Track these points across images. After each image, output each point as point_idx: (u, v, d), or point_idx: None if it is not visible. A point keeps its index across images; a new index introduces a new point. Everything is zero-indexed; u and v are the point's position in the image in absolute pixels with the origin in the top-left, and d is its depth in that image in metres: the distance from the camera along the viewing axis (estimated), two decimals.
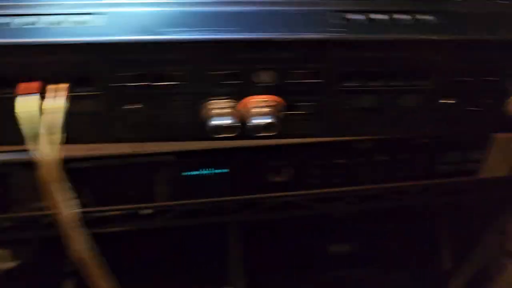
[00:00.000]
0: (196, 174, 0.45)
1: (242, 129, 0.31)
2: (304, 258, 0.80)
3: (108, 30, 0.28)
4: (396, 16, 0.31)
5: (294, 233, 0.80)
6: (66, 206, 0.30)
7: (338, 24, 0.30)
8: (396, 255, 0.81)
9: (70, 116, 0.30)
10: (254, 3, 0.31)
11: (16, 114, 0.28)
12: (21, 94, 0.28)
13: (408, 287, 0.80)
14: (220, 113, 0.31)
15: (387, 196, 0.52)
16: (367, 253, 0.81)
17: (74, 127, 0.31)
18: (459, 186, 0.51)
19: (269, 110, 0.31)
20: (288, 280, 0.79)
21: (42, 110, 0.29)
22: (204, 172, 0.45)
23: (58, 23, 0.29)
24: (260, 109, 0.31)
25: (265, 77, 0.30)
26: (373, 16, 0.31)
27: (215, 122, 0.30)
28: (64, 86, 0.29)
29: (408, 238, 0.81)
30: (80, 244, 0.32)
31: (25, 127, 0.28)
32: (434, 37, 0.29)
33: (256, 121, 0.31)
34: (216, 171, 0.46)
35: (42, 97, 0.29)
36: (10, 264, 0.73)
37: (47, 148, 0.28)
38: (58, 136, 0.29)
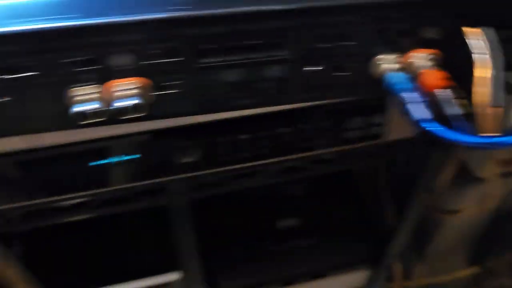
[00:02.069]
0: (106, 163, 0.45)
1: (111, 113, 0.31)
2: (252, 234, 0.80)
3: None
4: None
5: (239, 211, 0.80)
6: None
7: (185, 1, 0.29)
8: (340, 221, 0.82)
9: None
10: None
11: None
12: None
13: (355, 249, 0.81)
14: (84, 100, 0.30)
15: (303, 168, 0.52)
16: (313, 224, 0.82)
17: None
18: (368, 151, 0.51)
19: (135, 92, 0.31)
20: (238, 256, 0.78)
21: None
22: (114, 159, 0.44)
23: None
24: (125, 91, 0.30)
25: (123, 60, 0.30)
26: None
27: (78, 108, 0.30)
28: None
29: (350, 203, 0.82)
30: None
31: None
32: (280, 7, 0.29)
33: (121, 103, 0.30)
34: (127, 157, 0.45)
35: None
36: None
37: None
38: None
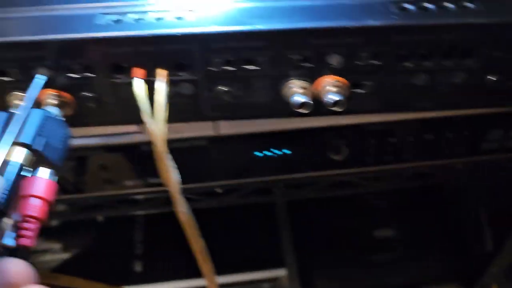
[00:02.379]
0: (265, 155, 0.49)
1: (317, 105, 0.35)
2: (349, 240, 0.83)
3: (200, 24, 0.33)
4: (443, 4, 0.35)
5: (340, 217, 0.83)
6: (174, 174, 0.34)
7: (396, 12, 0.33)
8: (438, 237, 0.83)
9: (170, 97, 0.35)
10: None
11: (134, 95, 0.33)
12: (135, 78, 0.33)
13: (450, 269, 0.82)
14: (297, 92, 0.35)
15: (432, 175, 0.55)
16: (410, 237, 0.83)
17: (172, 107, 0.36)
18: (504, 164, 0.53)
19: (338, 89, 0.35)
20: (336, 260, 0.81)
21: (147, 92, 0.34)
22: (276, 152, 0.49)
23: (161, 18, 0.34)
24: (329, 88, 0.35)
25: (334, 60, 0.34)
26: (424, 5, 0.34)
27: (294, 99, 0.35)
28: (165, 72, 0.34)
29: (450, 220, 0.83)
30: (182, 208, 0.36)
31: (141, 106, 0.33)
32: (477, 21, 0.33)
33: (328, 98, 0.35)
34: (281, 152, 0.50)
35: (148, 81, 0.34)
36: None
37: (158, 125, 0.33)
38: (164, 114, 0.33)
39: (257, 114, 0.37)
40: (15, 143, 0.30)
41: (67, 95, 0.35)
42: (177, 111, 0.36)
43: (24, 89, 0.35)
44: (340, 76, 0.35)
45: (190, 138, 0.46)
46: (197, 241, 0.39)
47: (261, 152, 0.49)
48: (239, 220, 0.79)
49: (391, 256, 0.83)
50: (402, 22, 0.32)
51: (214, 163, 0.49)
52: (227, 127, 0.46)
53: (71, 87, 0.35)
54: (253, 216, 0.80)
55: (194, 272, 0.74)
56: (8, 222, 0.29)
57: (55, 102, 0.35)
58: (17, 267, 0.24)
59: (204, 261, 0.42)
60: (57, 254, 0.79)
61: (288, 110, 0.36)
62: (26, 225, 0.29)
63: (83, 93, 0.35)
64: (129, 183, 0.50)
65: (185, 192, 0.53)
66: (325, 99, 0.35)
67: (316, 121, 0.47)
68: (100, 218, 0.83)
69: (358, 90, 0.36)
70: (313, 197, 0.58)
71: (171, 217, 0.75)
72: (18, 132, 0.30)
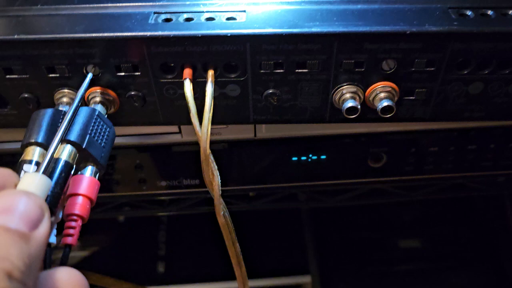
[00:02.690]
0: (302, 160, 0.48)
1: (364, 111, 0.34)
2: (374, 250, 0.82)
3: (252, 25, 0.32)
4: (504, 11, 0.33)
5: (365, 225, 0.82)
6: (216, 176, 0.34)
7: (455, 18, 0.32)
8: (466, 251, 0.81)
9: (217, 99, 0.35)
10: (377, 2, 0.34)
11: (185, 96, 0.32)
12: (186, 79, 0.33)
13: (479, 284, 0.80)
14: (347, 97, 0.34)
15: (470, 186, 0.54)
16: (437, 249, 0.82)
17: (217, 109, 0.35)
18: None
19: (389, 95, 0.34)
20: (357, 270, 0.80)
21: (194, 92, 0.33)
22: (313, 157, 0.48)
23: (213, 19, 0.33)
24: (381, 93, 0.34)
25: (386, 65, 0.33)
26: (484, 11, 0.33)
27: (343, 104, 0.34)
28: (212, 72, 0.33)
29: (481, 234, 0.81)
30: (222, 210, 0.35)
31: (190, 107, 0.32)
32: None
33: (378, 104, 0.34)
34: (319, 157, 0.49)
35: (196, 82, 0.33)
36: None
37: (204, 126, 0.32)
38: (210, 115, 0.33)
39: (302, 119, 0.36)
40: (63, 141, 0.29)
41: (112, 93, 0.34)
42: (222, 112, 0.36)
43: (71, 86, 0.34)
44: (391, 82, 0.34)
45: (229, 140, 0.45)
46: (233, 245, 0.39)
47: (298, 157, 0.48)
48: (265, 225, 0.78)
49: (417, 267, 0.81)
50: (462, 29, 0.31)
51: (250, 166, 0.48)
52: (265, 131, 0.45)
53: (117, 86, 0.34)
54: (278, 221, 0.79)
55: (215, 275, 0.73)
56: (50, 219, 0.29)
57: (101, 100, 0.34)
58: (70, 277, 0.24)
59: (238, 265, 0.41)
60: (74, 251, 0.79)
61: (334, 115, 0.35)
62: (71, 223, 0.29)
63: (129, 92, 0.34)
64: (162, 183, 0.49)
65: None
66: (375, 105, 0.34)
67: (356, 126, 0.46)
68: (120, 217, 0.83)
69: (409, 97, 0.35)
70: (346, 205, 0.56)
71: (196, 219, 0.74)
72: (66, 130, 0.30)
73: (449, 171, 0.49)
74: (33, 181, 0.26)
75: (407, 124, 0.45)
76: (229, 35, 0.31)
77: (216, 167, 0.34)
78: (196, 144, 0.45)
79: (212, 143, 0.45)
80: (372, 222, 0.81)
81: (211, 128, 0.33)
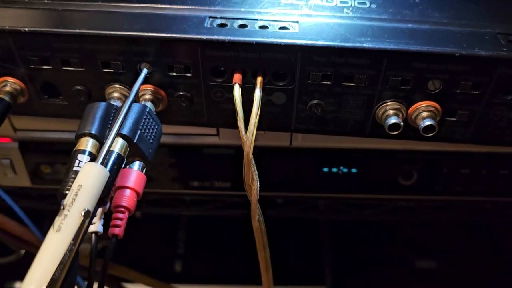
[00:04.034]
0: (334, 171, 0.49)
1: (404, 128, 0.35)
2: (389, 268, 0.82)
3: (305, 36, 0.33)
4: None
5: (382, 242, 0.82)
6: (256, 181, 0.35)
7: (504, 44, 0.33)
8: (483, 274, 0.81)
9: (262, 105, 0.36)
10: (428, 23, 0.35)
11: (234, 100, 0.33)
12: (236, 83, 0.34)
13: None
14: (390, 113, 0.35)
15: (500, 211, 0.54)
16: (453, 271, 0.82)
17: (261, 115, 0.36)
18: None
19: (431, 114, 0.35)
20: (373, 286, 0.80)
21: (242, 97, 0.34)
22: (343, 170, 0.49)
23: (266, 27, 0.34)
24: (423, 112, 0.35)
25: (433, 85, 0.34)
26: None
27: (387, 119, 0.34)
28: (261, 79, 0.35)
29: (500, 260, 0.81)
30: (257, 214, 0.36)
31: (238, 111, 0.33)
32: None
33: (420, 122, 0.34)
34: (349, 170, 0.50)
35: (244, 87, 0.35)
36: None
37: (250, 131, 0.33)
38: (256, 120, 0.34)
39: (343, 131, 0.37)
40: (117, 134, 0.31)
41: (162, 92, 0.36)
42: (265, 119, 0.37)
43: (122, 82, 0.35)
44: (434, 101, 0.34)
45: (264, 146, 0.46)
46: (264, 249, 0.40)
47: (329, 168, 0.49)
48: (286, 232, 0.78)
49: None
50: (511, 54, 0.31)
51: (281, 174, 0.49)
52: (301, 140, 0.46)
53: (167, 85, 0.35)
54: (299, 230, 0.79)
55: (232, 278, 0.74)
56: (98, 210, 0.30)
57: (150, 98, 0.35)
58: None
59: (266, 270, 0.42)
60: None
61: (375, 130, 0.36)
62: (118, 215, 0.30)
63: (178, 92, 0.36)
64: (194, 184, 0.50)
65: (242, 197, 0.53)
66: (417, 123, 0.34)
67: (389, 143, 0.47)
68: (137, 213, 0.84)
69: (451, 118, 0.35)
70: (370, 220, 0.57)
71: (217, 221, 0.75)
72: (120, 124, 0.31)
73: (478, 194, 0.49)
74: (93, 171, 0.27)
75: (441, 144, 0.46)
76: (282, 44, 0.32)
77: (256, 172, 0.35)
78: (232, 147, 0.46)
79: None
80: (391, 239, 0.81)
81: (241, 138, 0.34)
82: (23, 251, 0.65)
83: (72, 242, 0.24)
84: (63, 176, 0.30)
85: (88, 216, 0.25)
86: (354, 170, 0.49)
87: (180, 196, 0.53)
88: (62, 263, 0.24)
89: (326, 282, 0.77)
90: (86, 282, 0.29)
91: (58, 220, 0.25)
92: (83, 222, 0.25)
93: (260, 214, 0.36)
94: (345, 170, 0.49)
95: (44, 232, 0.47)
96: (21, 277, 0.68)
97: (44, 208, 0.56)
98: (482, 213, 0.53)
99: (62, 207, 0.26)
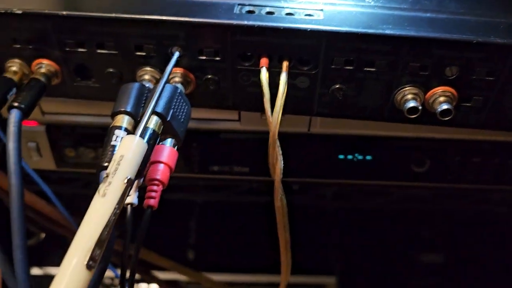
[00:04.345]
0: (349, 158, 0.51)
1: (422, 113, 0.37)
2: (396, 260, 0.83)
3: (330, 22, 0.35)
4: None
5: (391, 233, 0.83)
6: (280, 162, 0.36)
7: None
8: (491, 269, 0.82)
9: (287, 89, 0.37)
10: (445, 12, 0.36)
11: (261, 82, 0.35)
12: (263, 67, 0.35)
13: None
14: (409, 97, 0.37)
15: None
16: (460, 265, 0.83)
17: (287, 99, 0.38)
18: None
19: (448, 99, 0.37)
20: (376, 280, 0.81)
21: (268, 82, 0.36)
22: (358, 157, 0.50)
23: (292, 14, 0.36)
24: (440, 97, 0.37)
25: (450, 71, 0.36)
26: None
27: (405, 104, 0.36)
28: (286, 63, 0.36)
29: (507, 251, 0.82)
30: (279, 194, 0.38)
31: (265, 94, 0.35)
32: None
33: (437, 106, 0.36)
34: (364, 157, 0.52)
35: (270, 72, 0.36)
36: None
37: (276, 113, 0.35)
38: (282, 101, 0.36)
39: (362, 115, 0.39)
40: (152, 112, 0.32)
41: (190, 75, 0.38)
42: (288, 102, 0.38)
43: (153, 65, 0.37)
44: (451, 87, 0.36)
45: (282, 132, 0.48)
46: (285, 229, 0.41)
47: (345, 155, 0.50)
48: (297, 220, 0.80)
49: (440, 282, 0.82)
50: None
51: (298, 159, 0.51)
52: (320, 126, 0.48)
53: (196, 68, 0.37)
54: (310, 218, 0.80)
55: (245, 267, 0.76)
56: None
57: (180, 80, 0.37)
58: None
59: (286, 250, 0.43)
60: None
61: (393, 114, 0.38)
62: (153, 187, 0.32)
63: (206, 76, 0.37)
64: (213, 168, 0.52)
65: (260, 183, 0.55)
66: (434, 107, 0.36)
67: (405, 130, 0.49)
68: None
69: (466, 104, 0.37)
70: (383, 208, 0.59)
71: (232, 209, 0.76)
72: (155, 102, 0.33)
73: (491, 182, 0.51)
74: (132, 143, 0.29)
75: (453, 132, 0.48)
76: (308, 29, 0.34)
77: (281, 152, 0.36)
78: (254, 133, 0.48)
79: (266, 133, 0.48)
80: (400, 230, 0.83)
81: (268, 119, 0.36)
82: (43, 235, 0.67)
83: (117, 206, 0.26)
84: (101, 150, 0.32)
85: (131, 183, 0.27)
86: (368, 157, 0.51)
87: (198, 181, 0.55)
88: (108, 226, 0.26)
89: (335, 272, 0.78)
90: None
91: (103, 187, 0.27)
92: (126, 188, 0.27)
93: (283, 193, 0.38)
94: (360, 157, 0.51)
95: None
96: (40, 261, 0.70)
97: (66, 192, 0.58)
98: (492, 202, 0.55)
99: (105, 175, 0.27)
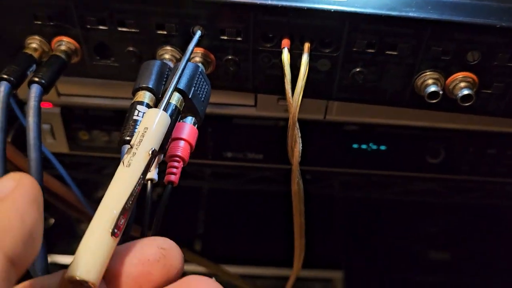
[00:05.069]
0: (361, 148, 0.51)
1: (442, 99, 0.37)
2: (405, 257, 0.83)
3: (353, 4, 0.35)
4: None
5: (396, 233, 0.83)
6: (299, 145, 0.36)
7: None
8: (498, 266, 0.82)
9: (308, 71, 0.37)
10: None
11: (283, 63, 0.35)
12: (285, 48, 0.35)
13: None
14: (430, 82, 0.36)
15: None
16: (469, 262, 0.83)
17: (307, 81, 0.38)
18: None
19: (469, 85, 0.37)
20: (383, 276, 0.81)
21: (289, 63, 0.36)
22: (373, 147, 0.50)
23: None
24: (461, 83, 0.36)
25: (472, 57, 0.36)
26: None
27: (426, 88, 0.36)
28: (308, 45, 0.36)
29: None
30: (296, 178, 0.38)
31: (286, 73, 0.35)
32: None
33: (458, 92, 0.36)
34: (378, 147, 0.51)
35: (291, 53, 0.36)
36: None
37: (296, 95, 0.35)
38: (303, 83, 0.36)
39: (382, 100, 0.39)
40: (175, 89, 0.32)
41: (211, 56, 0.37)
42: (308, 86, 0.38)
43: (173, 44, 0.37)
44: (472, 73, 0.36)
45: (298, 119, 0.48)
46: (300, 215, 0.41)
47: (359, 144, 0.50)
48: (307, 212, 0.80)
49: (444, 279, 0.82)
50: None
51: (312, 147, 0.51)
52: (335, 113, 0.48)
53: (217, 49, 0.37)
54: (320, 209, 0.80)
55: (253, 259, 0.75)
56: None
57: (200, 60, 0.37)
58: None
59: (300, 236, 0.43)
60: None
61: (413, 100, 0.38)
62: (173, 163, 0.32)
63: (227, 56, 0.37)
64: (227, 154, 0.52)
65: (273, 171, 0.55)
66: (454, 93, 0.36)
67: (419, 119, 0.49)
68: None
69: (486, 91, 0.37)
70: (390, 199, 0.58)
71: (240, 199, 0.76)
72: (178, 79, 0.33)
73: (505, 175, 0.51)
74: (156, 115, 0.29)
75: (470, 123, 0.48)
76: (332, 10, 0.34)
77: (299, 134, 0.36)
78: (269, 119, 0.48)
79: (281, 119, 0.48)
80: (409, 226, 0.82)
81: (283, 105, 0.35)
82: (52, 221, 0.67)
83: (141, 176, 0.26)
84: (123, 124, 0.32)
85: (155, 155, 0.27)
86: (383, 147, 0.51)
87: (211, 168, 0.55)
88: (132, 195, 0.25)
89: (341, 266, 0.78)
90: None
91: (127, 158, 0.27)
92: (151, 160, 0.27)
93: (300, 177, 0.38)
94: (374, 147, 0.51)
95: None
96: (49, 247, 0.70)
97: (78, 176, 0.58)
98: (504, 197, 0.54)
99: (130, 146, 0.27)
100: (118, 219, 0.24)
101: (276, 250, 0.69)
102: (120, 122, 0.33)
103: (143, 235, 0.31)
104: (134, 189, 0.26)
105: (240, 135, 0.51)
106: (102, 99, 0.49)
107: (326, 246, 0.78)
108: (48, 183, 0.46)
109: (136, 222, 0.31)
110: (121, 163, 0.27)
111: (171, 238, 0.27)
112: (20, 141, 0.41)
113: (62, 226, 0.71)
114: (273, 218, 0.75)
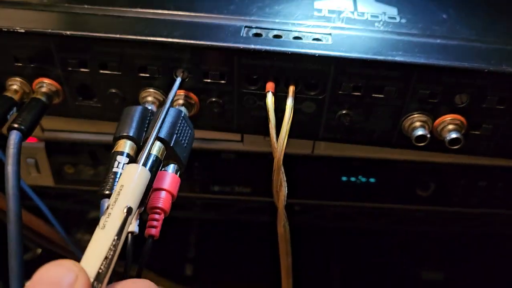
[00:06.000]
0: (350, 180, 0.50)
1: (430, 140, 0.36)
2: (397, 278, 0.82)
3: (338, 48, 0.34)
4: None
5: (389, 252, 0.82)
6: (284, 188, 0.35)
7: None
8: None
9: (293, 113, 0.36)
10: (456, 39, 0.36)
11: (267, 107, 0.34)
12: (269, 91, 0.35)
13: None
14: (417, 125, 0.36)
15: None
16: (461, 284, 0.82)
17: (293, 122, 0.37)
18: None
19: (457, 128, 0.36)
20: None
21: (274, 105, 0.35)
22: (362, 179, 0.49)
23: (300, 38, 0.35)
24: (449, 125, 0.36)
25: (460, 99, 0.35)
26: None
27: (413, 131, 0.35)
28: (293, 88, 0.35)
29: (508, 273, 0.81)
30: (282, 221, 0.37)
31: (270, 118, 0.34)
32: None
33: (446, 135, 0.35)
34: (368, 179, 0.51)
35: (276, 96, 0.35)
36: None
37: (281, 138, 0.34)
38: (288, 127, 0.35)
39: (369, 141, 0.38)
40: (156, 138, 0.31)
41: (195, 98, 0.37)
42: (294, 127, 0.37)
43: (156, 86, 0.36)
44: (460, 115, 0.35)
45: (286, 154, 0.47)
46: (287, 256, 0.40)
47: (348, 177, 0.50)
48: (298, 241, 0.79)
49: None
50: None
51: (301, 181, 0.50)
52: (324, 148, 0.47)
53: (200, 91, 0.36)
54: (308, 239, 0.79)
55: (243, 283, 0.74)
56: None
57: (183, 102, 0.36)
58: None
59: (287, 276, 0.42)
60: None
61: (400, 140, 0.37)
62: (154, 216, 0.31)
63: (211, 98, 0.36)
64: (214, 188, 0.51)
65: (262, 203, 0.54)
66: (442, 135, 0.35)
67: (409, 154, 0.48)
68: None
69: (475, 132, 0.36)
70: (382, 229, 0.58)
71: (230, 226, 0.75)
72: (158, 128, 0.32)
73: (495, 206, 0.50)
74: (135, 172, 0.28)
75: (460, 157, 0.47)
76: (317, 55, 0.33)
77: (285, 178, 0.35)
78: (256, 154, 0.47)
79: (269, 154, 0.47)
80: (401, 251, 0.82)
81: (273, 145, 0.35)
82: (39, 250, 0.66)
83: (116, 237, 0.25)
84: (103, 177, 0.31)
85: (130, 212, 0.26)
86: (372, 180, 0.50)
87: (199, 200, 0.54)
88: (107, 258, 0.24)
89: None
90: None
91: (103, 219, 0.26)
92: (126, 218, 0.26)
93: (286, 220, 0.37)
94: (363, 179, 0.50)
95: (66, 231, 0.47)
96: None
97: (63, 207, 0.56)
98: (496, 225, 0.54)
99: (106, 207, 0.26)
100: (92, 285, 0.23)
101: (267, 279, 0.68)
102: (105, 156, 0.32)
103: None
104: (109, 252, 0.25)
105: (227, 169, 0.50)
106: (86, 134, 0.48)
107: (319, 274, 0.77)
108: (30, 221, 0.45)
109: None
110: (97, 226, 0.26)
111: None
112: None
113: (51, 254, 0.69)
114: (264, 247, 0.74)
